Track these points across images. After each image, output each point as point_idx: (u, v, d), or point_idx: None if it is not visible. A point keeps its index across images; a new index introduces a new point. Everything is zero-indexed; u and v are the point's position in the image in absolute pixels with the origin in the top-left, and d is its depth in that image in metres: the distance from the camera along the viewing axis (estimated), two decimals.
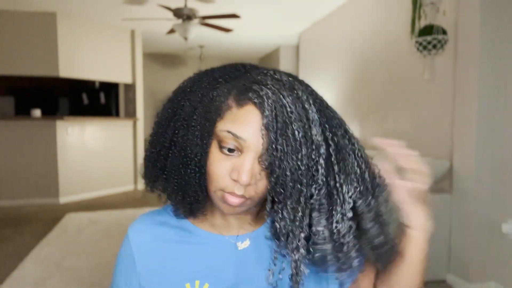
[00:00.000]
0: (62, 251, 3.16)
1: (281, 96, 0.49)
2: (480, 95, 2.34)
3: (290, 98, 0.49)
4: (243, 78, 0.54)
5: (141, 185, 5.90)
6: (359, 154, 0.53)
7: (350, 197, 0.51)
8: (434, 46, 2.49)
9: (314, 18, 5.13)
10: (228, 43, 6.68)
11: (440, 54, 2.60)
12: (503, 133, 2.37)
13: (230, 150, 0.51)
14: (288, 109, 0.48)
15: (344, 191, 0.51)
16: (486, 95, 2.35)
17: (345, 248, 0.51)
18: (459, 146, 2.51)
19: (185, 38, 4.16)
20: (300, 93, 0.50)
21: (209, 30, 5.19)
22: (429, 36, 2.48)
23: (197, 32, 4.67)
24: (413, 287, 0.60)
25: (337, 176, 0.51)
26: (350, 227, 0.51)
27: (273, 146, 0.48)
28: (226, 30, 4.59)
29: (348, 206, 0.51)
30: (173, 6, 4.01)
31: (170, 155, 0.56)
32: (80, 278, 2.64)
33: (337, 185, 0.51)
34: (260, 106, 0.49)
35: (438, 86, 2.82)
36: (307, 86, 0.54)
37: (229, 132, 0.50)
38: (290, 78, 0.52)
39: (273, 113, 0.48)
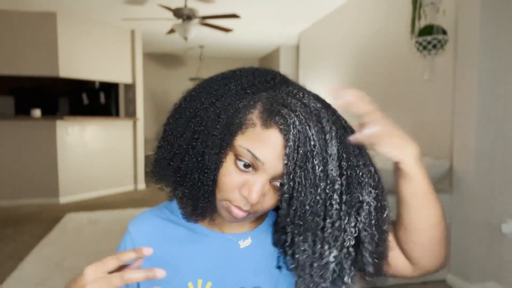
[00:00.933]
0: (62, 251, 3.16)
1: (307, 127, 0.48)
2: (480, 95, 2.34)
3: (315, 129, 0.48)
4: (272, 94, 0.52)
5: (141, 185, 5.89)
6: (368, 184, 0.53)
7: (354, 226, 0.52)
8: (434, 46, 2.49)
9: (314, 18, 5.13)
10: (228, 43, 6.68)
11: (440, 54, 2.60)
12: (503, 133, 2.37)
13: (246, 166, 0.51)
14: (312, 143, 0.48)
15: (346, 222, 0.52)
16: (486, 95, 2.35)
17: (344, 276, 0.53)
18: (459, 146, 2.51)
19: (185, 38, 4.16)
20: (324, 123, 0.49)
21: (209, 30, 5.19)
22: (429, 36, 2.48)
23: (197, 32, 4.67)
24: (433, 221, 0.60)
25: (343, 205, 0.51)
26: (349, 254, 0.53)
27: (291, 176, 0.48)
28: (226, 30, 4.59)
29: (350, 236, 0.52)
30: (173, 6, 4.01)
31: (186, 158, 0.54)
32: None
33: (342, 215, 0.51)
34: (285, 134, 0.48)
35: (438, 86, 2.82)
36: (333, 113, 0.53)
37: (248, 151, 0.50)
38: (318, 105, 0.51)
39: (296, 144, 0.47)
